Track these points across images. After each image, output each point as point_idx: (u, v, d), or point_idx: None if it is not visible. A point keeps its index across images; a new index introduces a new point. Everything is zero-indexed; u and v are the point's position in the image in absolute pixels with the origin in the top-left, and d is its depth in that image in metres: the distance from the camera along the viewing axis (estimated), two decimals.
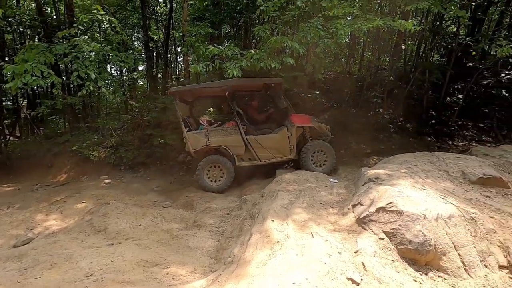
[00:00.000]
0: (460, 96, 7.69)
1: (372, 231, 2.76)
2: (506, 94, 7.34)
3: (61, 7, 9.84)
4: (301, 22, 6.35)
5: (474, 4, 7.08)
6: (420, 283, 2.28)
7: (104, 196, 5.14)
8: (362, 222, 2.90)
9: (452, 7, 5.99)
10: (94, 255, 3.10)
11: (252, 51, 4.88)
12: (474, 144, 7.18)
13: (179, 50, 12.70)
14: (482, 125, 7.81)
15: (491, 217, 2.80)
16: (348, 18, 6.01)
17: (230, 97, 5.44)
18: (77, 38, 5.10)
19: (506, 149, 4.91)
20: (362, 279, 2.20)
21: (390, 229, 2.66)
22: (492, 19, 9.06)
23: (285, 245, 2.65)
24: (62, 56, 5.86)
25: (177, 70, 13.26)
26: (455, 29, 7.60)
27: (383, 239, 2.65)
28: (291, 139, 5.43)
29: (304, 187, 4.01)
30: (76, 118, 9.35)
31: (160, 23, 12.67)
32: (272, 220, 3.17)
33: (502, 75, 7.30)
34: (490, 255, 2.51)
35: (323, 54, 5.77)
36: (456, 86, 8.12)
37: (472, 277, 2.38)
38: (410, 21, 4.87)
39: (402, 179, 3.46)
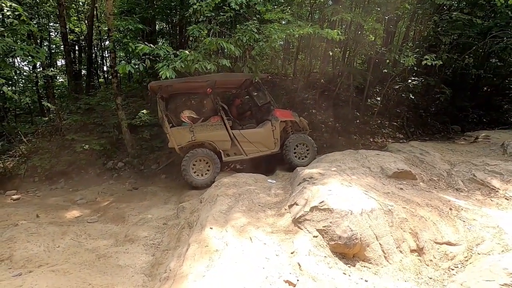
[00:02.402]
0: (378, 98, 8.71)
1: (307, 230, 2.89)
2: (412, 97, 8.59)
3: None
4: (238, 23, 6.35)
5: (386, 18, 8.07)
6: (349, 275, 2.46)
7: (11, 215, 4.32)
8: (298, 222, 3.02)
9: (370, 20, 6.72)
10: None
11: (187, 52, 4.67)
12: (390, 140, 8.24)
13: (107, 44, 11.52)
14: (395, 123, 9.01)
15: (403, 207, 3.21)
16: (283, 23, 6.24)
17: (212, 93, 5.45)
18: None
19: (413, 145, 5.74)
20: (298, 280, 2.27)
21: (323, 226, 2.83)
22: (401, 31, 10.50)
23: (224, 254, 2.59)
24: None
25: (105, 67, 12.03)
26: (373, 39, 8.57)
27: (316, 236, 2.81)
28: (275, 133, 5.59)
29: (243, 190, 4.01)
30: None
31: (82, 14, 11.31)
32: (210, 228, 3.08)
33: (409, 81, 8.52)
34: (403, 242, 2.86)
35: (259, 56, 5.87)
36: (375, 90, 9.18)
37: (390, 263, 2.68)
38: (335, 30, 5.28)
39: (332, 177, 3.74)
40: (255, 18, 5.75)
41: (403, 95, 8.74)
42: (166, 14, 8.75)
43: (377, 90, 9.15)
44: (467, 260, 2.74)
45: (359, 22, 6.58)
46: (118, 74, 7.00)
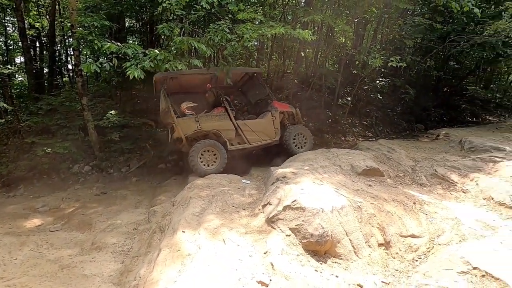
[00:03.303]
0: (349, 98, 9.02)
1: (280, 229, 2.92)
2: (380, 97, 9.00)
3: None
4: (210, 23, 6.26)
5: (356, 20, 8.37)
6: (321, 272, 2.52)
7: None
8: (271, 222, 3.04)
9: (340, 22, 6.93)
10: None
11: (156, 51, 4.51)
12: (360, 139, 8.55)
13: (71, 42, 10.88)
14: (365, 122, 9.38)
15: (371, 203, 3.33)
16: (256, 23, 6.25)
17: (213, 88, 5.70)
18: None
19: (381, 143, 6.00)
20: (271, 280, 2.28)
21: (295, 225, 2.86)
22: (369, 34, 10.95)
23: (197, 258, 2.54)
24: None
25: (69, 65, 11.36)
26: (343, 41, 8.85)
27: (289, 235, 2.84)
28: (275, 123, 5.90)
29: (217, 192, 3.96)
30: None
31: (43, 8, 10.58)
32: (183, 231, 3.01)
33: (377, 81, 8.91)
34: (372, 236, 2.98)
35: (231, 57, 5.83)
36: (345, 90, 9.49)
37: (360, 258, 2.77)
38: (306, 30, 5.37)
39: (305, 176, 3.80)
40: (227, 18, 5.70)
41: (371, 95, 9.11)
42: (135, 11, 8.42)
43: (348, 90, 9.47)
44: (429, 251, 2.90)
45: (329, 24, 6.76)
46: (83, 73, 6.64)
